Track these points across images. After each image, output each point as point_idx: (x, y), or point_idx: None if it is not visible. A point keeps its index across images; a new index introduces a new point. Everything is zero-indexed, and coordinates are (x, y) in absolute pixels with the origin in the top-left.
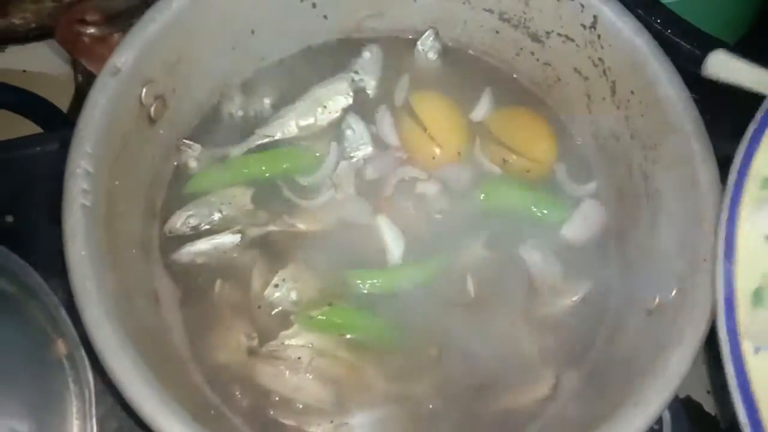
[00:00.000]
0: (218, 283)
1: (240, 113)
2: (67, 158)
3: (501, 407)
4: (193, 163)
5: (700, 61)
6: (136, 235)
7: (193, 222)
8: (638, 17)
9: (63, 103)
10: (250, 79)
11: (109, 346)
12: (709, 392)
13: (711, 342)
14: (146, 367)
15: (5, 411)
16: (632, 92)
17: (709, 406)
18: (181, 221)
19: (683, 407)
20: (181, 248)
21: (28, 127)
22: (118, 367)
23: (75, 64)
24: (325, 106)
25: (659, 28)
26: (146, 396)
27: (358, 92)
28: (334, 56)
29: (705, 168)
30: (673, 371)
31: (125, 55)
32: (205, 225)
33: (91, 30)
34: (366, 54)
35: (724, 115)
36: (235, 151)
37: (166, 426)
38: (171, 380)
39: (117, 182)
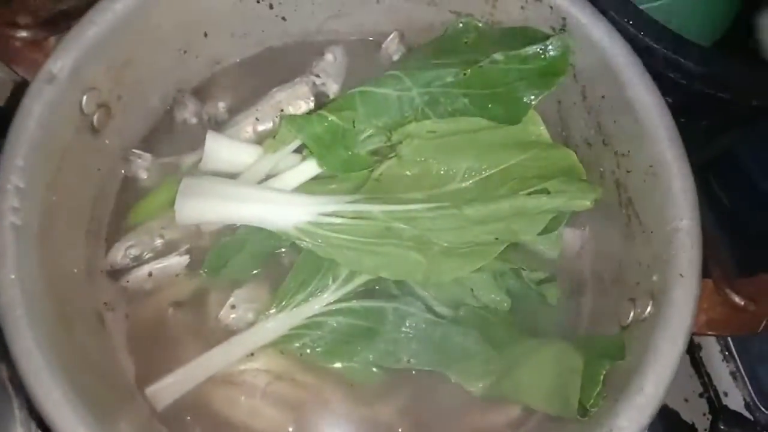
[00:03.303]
0: (169, 306)
1: (194, 120)
2: None
3: (471, 429)
4: (143, 174)
5: (674, 64)
6: (79, 254)
7: (134, 252)
8: (611, 20)
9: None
10: (205, 84)
11: (39, 378)
12: (687, 400)
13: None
14: (81, 401)
15: None
16: (603, 97)
17: (686, 414)
18: (121, 254)
19: (659, 417)
20: (128, 274)
21: None
22: (49, 401)
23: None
24: (284, 111)
25: (633, 31)
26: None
27: (320, 96)
28: (295, 59)
29: (679, 176)
30: (650, 392)
31: (62, 61)
32: (148, 253)
33: (23, 33)
34: (328, 57)
35: (699, 119)
36: (189, 160)
37: None
38: (114, 410)
39: (55, 198)
